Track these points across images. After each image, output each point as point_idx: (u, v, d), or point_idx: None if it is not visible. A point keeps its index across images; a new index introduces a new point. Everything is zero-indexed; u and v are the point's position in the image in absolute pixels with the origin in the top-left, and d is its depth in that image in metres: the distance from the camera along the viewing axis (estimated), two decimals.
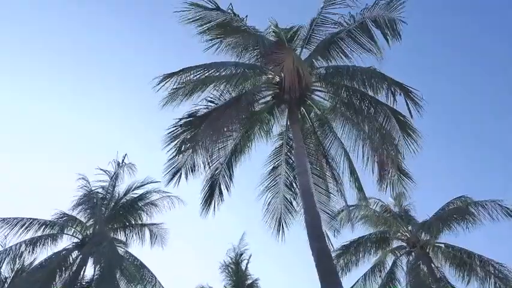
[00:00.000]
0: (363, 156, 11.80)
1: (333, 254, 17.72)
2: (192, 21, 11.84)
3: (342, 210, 15.46)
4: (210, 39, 12.33)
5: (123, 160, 18.30)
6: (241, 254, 20.62)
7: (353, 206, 17.80)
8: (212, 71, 11.41)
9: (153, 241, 18.01)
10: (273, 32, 13.13)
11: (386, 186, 11.74)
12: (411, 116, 10.48)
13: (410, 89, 10.52)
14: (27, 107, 36.59)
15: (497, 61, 36.34)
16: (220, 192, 12.89)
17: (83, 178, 17.61)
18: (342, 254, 18.38)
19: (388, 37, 11.59)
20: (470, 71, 38.03)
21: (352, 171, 12.74)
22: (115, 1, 39.02)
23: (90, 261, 16.02)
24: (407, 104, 10.44)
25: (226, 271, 20.29)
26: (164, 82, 11.10)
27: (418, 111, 10.45)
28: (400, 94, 10.53)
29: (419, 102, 10.42)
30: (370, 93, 11.14)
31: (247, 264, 20.42)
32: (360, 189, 12.95)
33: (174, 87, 11.24)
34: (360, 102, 11.38)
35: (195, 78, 11.30)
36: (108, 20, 38.61)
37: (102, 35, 39.02)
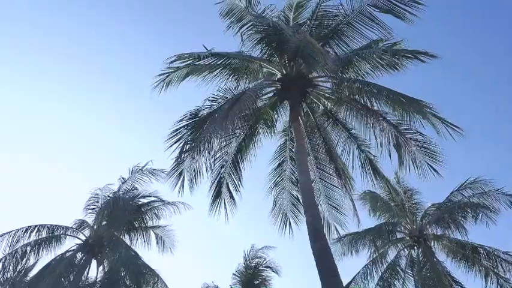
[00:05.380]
0: (376, 143, 11.47)
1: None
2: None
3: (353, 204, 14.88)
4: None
5: (135, 167, 18.07)
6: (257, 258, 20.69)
7: (360, 194, 17.80)
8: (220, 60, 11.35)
9: (160, 245, 17.84)
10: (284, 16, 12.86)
11: (409, 164, 11.26)
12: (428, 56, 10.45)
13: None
14: (27, 107, 36.50)
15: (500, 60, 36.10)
16: (229, 192, 12.77)
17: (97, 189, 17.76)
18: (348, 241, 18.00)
19: (402, 13, 10.95)
20: (478, 71, 37.81)
21: (364, 161, 12.54)
22: (115, 1, 38.92)
23: (93, 263, 16.10)
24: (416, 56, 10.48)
25: (237, 270, 20.38)
26: (176, 61, 11.13)
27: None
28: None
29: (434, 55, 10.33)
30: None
31: (258, 266, 20.50)
32: (375, 176, 12.67)
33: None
34: (363, 87, 11.06)
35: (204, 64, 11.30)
36: (108, 20, 38.48)
37: (102, 35, 38.90)
